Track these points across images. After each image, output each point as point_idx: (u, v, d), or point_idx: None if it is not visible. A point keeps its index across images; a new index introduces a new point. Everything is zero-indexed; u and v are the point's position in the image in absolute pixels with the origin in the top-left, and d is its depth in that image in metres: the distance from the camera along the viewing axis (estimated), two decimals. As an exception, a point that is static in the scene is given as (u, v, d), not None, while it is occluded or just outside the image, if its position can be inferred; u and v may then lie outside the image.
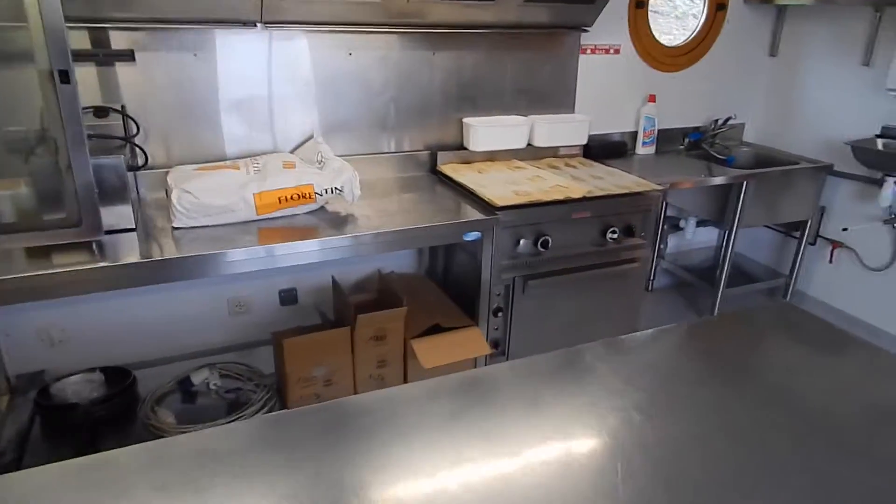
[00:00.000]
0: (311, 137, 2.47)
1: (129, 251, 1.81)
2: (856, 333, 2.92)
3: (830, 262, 3.20)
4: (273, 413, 1.09)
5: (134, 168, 2.22)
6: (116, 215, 1.89)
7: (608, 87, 3.04)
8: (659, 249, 3.48)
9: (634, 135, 3.16)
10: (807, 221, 3.15)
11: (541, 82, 2.85)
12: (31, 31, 1.51)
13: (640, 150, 3.15)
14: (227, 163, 2.16)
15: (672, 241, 3.54)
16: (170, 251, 1.80)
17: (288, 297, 2.67)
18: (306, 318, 2.65)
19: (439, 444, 1.01)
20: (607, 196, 2.39)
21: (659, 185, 2.54)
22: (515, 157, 2.83)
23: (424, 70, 2.60)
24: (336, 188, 2.10)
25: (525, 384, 1.19)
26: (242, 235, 1.92)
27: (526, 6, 2.49)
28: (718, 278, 3.07)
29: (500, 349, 2.47)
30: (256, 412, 2.11)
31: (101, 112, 2.09)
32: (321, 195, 2.08)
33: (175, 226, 1.94)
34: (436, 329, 2.29)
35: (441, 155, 2.70)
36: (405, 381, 2.30)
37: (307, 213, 2.13)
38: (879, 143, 2.85)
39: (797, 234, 3.23)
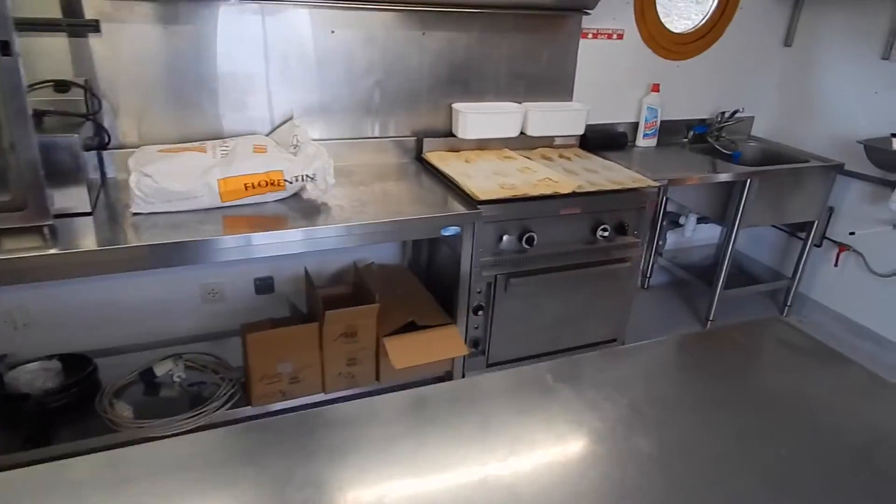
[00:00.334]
0: (289, 119, 2.34)
1: (83, 237, 1.71)
2: (859, 342, 2.75)
3: (836, 265, 3.05)
4: (212, 430, 0.98)
5: (100, 147, 2.11)
6: (71, 198, 1.78)
7: (610, 74, 2.88)
8: (657, 246, 3.34)
9: (636, 126, 3.01)
10: (813, 222, 3.00)
11: (538, 67, 2.70)
12: (-36, -2, 1.39)
13: (641, 142, 3.00)
14: (195, 145, 2.03)
15: (672, 238, 3.40)
16: (122, 239, 1.69)
17: (264, 286, 2.56)
18: (282, 308, 2.55)
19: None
20: (598, 192, 2.26)
21: (655, 180, 2.40)
22: (507, 146, 2.69)
23: (413, 51, 2.45)
24: (307, 175, 1.98)
25: (473, 406, 1.08)
26: (203, 224, 1.80)
27: (521, -15, 2.33)
28: (717, 279, 2.93)
29: (479, 348, 2.36)
30: (219, 408, 2.02)
31: (61, 86, 1.97)
32: (291, 182, 1.96)
33: (134, 211, 1.83)
34: (412, 326, 2.18)
35: (427, 142, 2.57)
36: (377, 379, 2.20)
37: (277, 200, 2.01)
38: (894, 142, 2.68)
39: (803, 234, 3.08)
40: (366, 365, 2.14)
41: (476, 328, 2.31)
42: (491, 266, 2.21)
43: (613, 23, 2.77)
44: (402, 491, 0.87)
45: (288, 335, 1.99)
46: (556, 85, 2.77)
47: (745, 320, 3.03)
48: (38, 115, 1.83)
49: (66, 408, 1.99)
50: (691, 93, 3.10)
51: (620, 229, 2.36)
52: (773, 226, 3.31)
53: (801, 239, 3.10)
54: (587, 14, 2.63)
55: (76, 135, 1.73)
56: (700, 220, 3.27)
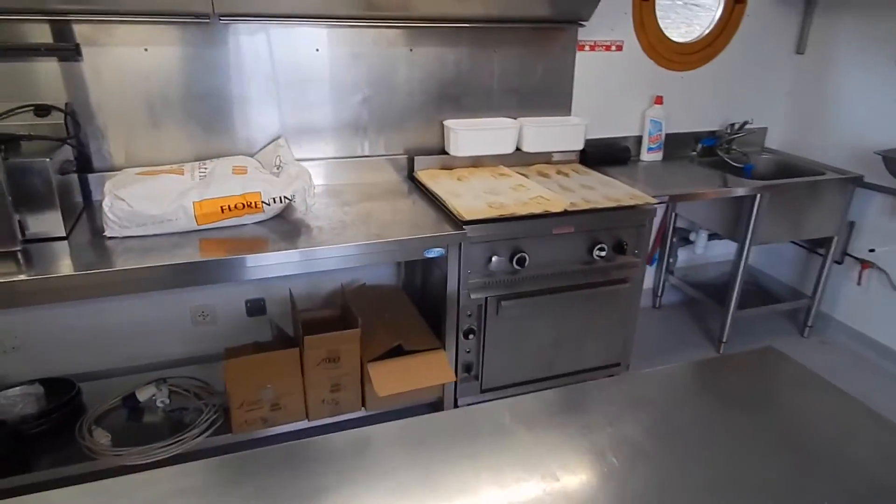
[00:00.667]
0: (276, 140, 2.31)
1: (57, 262, 1.68)
2: (886, 363, 2.55)
3: (859, 283, 2.87)
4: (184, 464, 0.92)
5: (84, 171, 2.10)
6: (44, 222, 1.76)
7: (610, 87, 2.78)
8: (668, 263, 3.20)
9: (640, 140, 2.90)
10: (832, 238, 2.83)
11: (533, 82, 2.62)
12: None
13: (646, 156, 2.89)
14: (173, 167, 2.01)
15: (683, 255, 3.26)
16: (89, 264, 1.65)
17: (255, 308, 2.52)
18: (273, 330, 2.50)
19: None
20: (592, 210, 2.16)
21: (655, 197, 2.28)
22: (503, 162, 2.61)
23: (401, 68, 2.40)
24: (285, 197, 1.93)
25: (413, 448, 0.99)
26: (176, 248, 1.76)
27: (511, -2, 2.27)
28: (729, 298, 2.79)
29: (472, 373, 2.26)
30: (199, 435, 1.97)
31: (41, 111, 1.97)
32: (269, 204, 1.92)
33: (108, 235, 1.81)
34: (400, 351, 2.10)
35: (419, 160, 2.51)
36: (363, 406, 2.12)
37: (256, 223, 1.97)
38: (917, 153, 2.52)
39: (823, 251, 2.91)
40: (350, 391, 2.06)
41: (468, 352, 2.22)
42: (481, 288, 2.13)
43: (612, 34, 2.68)
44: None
45: (268, 361, 1.93)
46: (553, 99, 2.69)
47: (761, 343, 2.88)
48: (15, 140, 1.84)
49: (47, 434, 1.96)
50: (698, 104, 2.99)
51: (619, 248, 2.25)
52: (793, 242, 3.15)
53: (821, 255, 2.93)
54: (582, 26, 2.55)
55: (48, 159, 1.71)
56: (711, 237, 3.13)
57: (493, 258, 2.08)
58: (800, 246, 3.14)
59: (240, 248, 1.78)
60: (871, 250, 2.75)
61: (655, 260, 3.23)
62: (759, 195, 2.56)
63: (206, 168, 2.00)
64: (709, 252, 3.27)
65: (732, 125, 2.97)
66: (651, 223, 2.29)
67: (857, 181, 2.72)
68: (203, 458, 0.94)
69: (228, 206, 1.87)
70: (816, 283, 2.94)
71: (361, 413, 2.12)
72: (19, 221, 1.71)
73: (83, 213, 2.02)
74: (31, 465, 1.87)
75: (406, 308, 2.39)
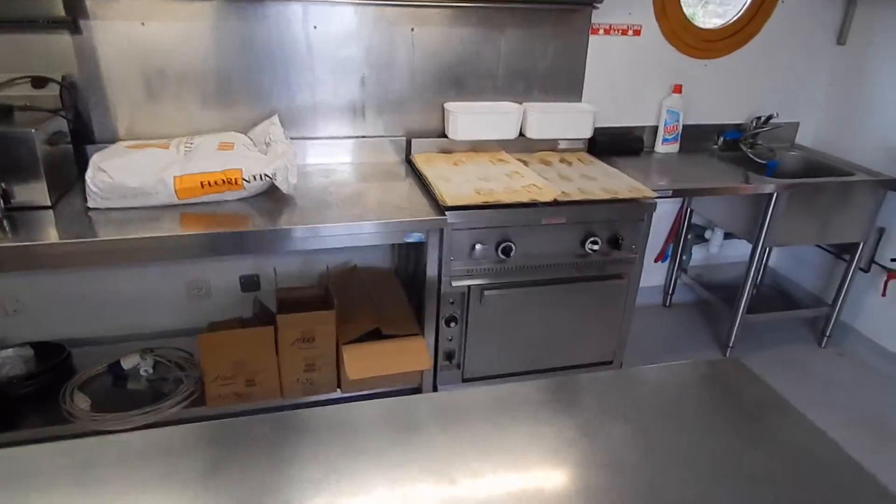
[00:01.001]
0: (270, 117, 2.30)
1: (40, 231, 1.72)
2: None
3: (884, 294, 2.67)
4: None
5: (85, 142, 2.14)
6: (30, 192, 1.81)
7: (625, 73, 2.65)
8: (680, 261, 3.07)
9: (656, 130, 2.76)
10: (858, 244, 2.64)
11: (542, 66, 2.52)
12: None
13: (661, 147, 2.75)
14: (160, 141, 2.02)
15: (698, 254, 3.11)
16: (68, 234, 1.69)
17: (249, 283, 2.54)
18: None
19: None
20: (585, 201, 2.06)
21: (656, 190, 2.17)
22: (505, 149, 2.53)
23: (402, 48, 2.34)
24: (266, 175, 1.92)
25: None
26: (152, 222, 1.78)
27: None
28: (738, 301, 2.64)
29: (454, 362, 2.22)
30: (175, 405, 2.00)
31: (38, 82, 2.01)
32: (249, 182, 1.91)
33: (90, 206, 1.84)
34: (380, 335, 2.08)
35: (416, 143, 2.46)
36: (339, 387, 2.12)
37: (238, 199, 1.97)
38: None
39: (848, 257, 2.72)
40: (325, 372, 2.06)
41: (450, 340, 2.18)
42: (464, 276, 2.08)
43: (629, 18, 2.55)
44: None
45: (242, 338, 1.95)
46: (563, 85, 2.58)
47: (770, 351, 2.73)
48: (10, 110, 1.89)
49: (33, 395, 2.03)
50: (722, 95, 2.82)
51: (614, 243, 2.16)
52: (818, 246, 2.96)
53: (846, 262, 2.74)
54: (596, 8, 2.43)
55: (33, 129, 1.74)
56: (728, 236, 2.97)
57: (477, 246, 2.02)
58: (826, 251, 2.95)
59: (210, 224, 1.78)
60: (894, 259, 2.55)
61: (668, 257, 3.10)
62: (775, 194, 2.41)
63: (192, 143, 2.01)
64: (725, 252, 3.11)
65: (758, 118, 2.79)
66: (650, 218, 2.18)
67: (890, 184, 2.52)
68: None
69: (209, 181, 1.87)
70: (838, 292, 2.75)
71: (337, 394, 2.12)
72: (4, 189, 1.75)
73: (76, 184, 2.06)
74: (15, 424, 1.95)
75: (394, 292, 2.36)
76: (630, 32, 2.58)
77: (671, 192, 2.25)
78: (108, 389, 2.12)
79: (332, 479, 0.87)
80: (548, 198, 2.02)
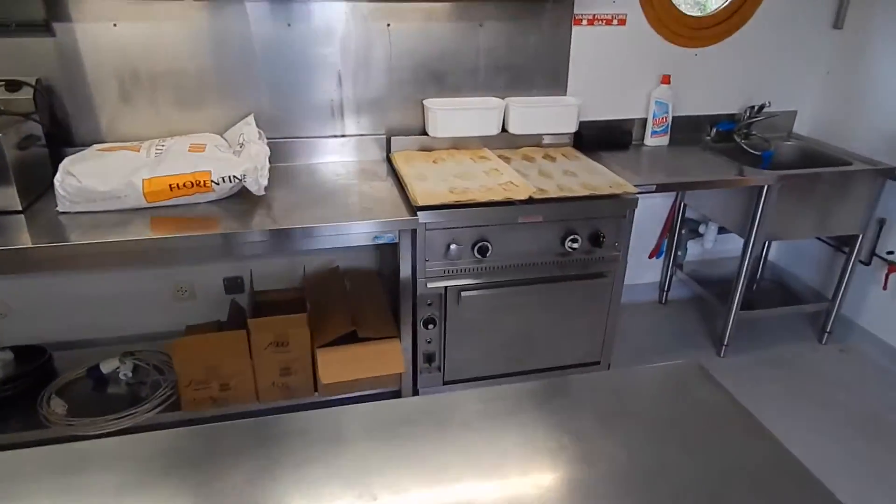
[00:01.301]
0: (246, 117, 2.27)
1: (7, 235, 1.72)
2: None
3: (885, 288, 2.58)
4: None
5: (62, 145, 2.14)
6: (1, 196, 1.81)
7: (611, 65, 2.59)
8: (675, 257, 2.99)
9: (645, 123, 2.69)
10: (858, 236, 2.55)
11: (524, 59, 2.47)
12: None
13: (650, 140, 2.68)
14: (132, 144, 2.01)
15: (694, 248, 3.03)
16: (35, 238, 1.68)
17: (233, 285, 2.53)
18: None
19: None
20: (562, 199, 2.01)
21: (638, 186, 2.11)
22: (488, 145, 2.48)
23: (378, 45, 2.31)
24: (235, 176, 1.90)
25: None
26: (118, 226, 1.76)
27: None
28: (732, 298, 2.57)
29: (434, 364, 2.19)
30: (151, 410, 2.00)
31: (12, 86, 2.01)
32: (218, 184, 1.89)
33: (59, 210, 1.83)
34: (357, 338, 2.05)
35: (396, 141, 2.42)
36: (316, 391, 2.09)
37: (209, 202, 1.95)
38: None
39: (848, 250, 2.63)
40: (301, 376, 2.03)
41: (429, 342, 2.14)
42: (440, 277, 2.04)
43: (613, 7, 2.48)
44: None
45: (215, 342, 1.93)
46: (547, 78, 2.53)
47: (767, 348, 2.65)
48: (-20, 115, 1.88)
49: (12, 399, 2.04)
50: (714, 85, 2.74)
51: (595, 240, 2.10)
52: (819, 238, 2.86)
53: (847, 255, 2.65)
54: (577, -2, 2.37)
55: (1, 134, 1.74)
56: (722, 230, 2.89)
57: (452, 246, 1.98)
58: (827, 243, 2.85)
59: (174, 228, 1.76)
60: (890, 252, 2.46)
61: (662, 252, 3.03)
62: (766, 186, 2.33)
63: (164, 145, 1.99)
64: (721, 246, 3.02)
65: (752, 108, 2.71)
66: (632, 214, 2.12)
67: (889, 173, 2.43)
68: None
69: (177, 184, 1.86)
70: (838, 286, 2.66)
71: (315, 398, 2.09)
72: (-28, 194, 1.75)
73: (51, 189, 2.06)
74: (-7, 429, 1.95)
75: (375, 294, 2.33)
76: (615, 22, 2.51)
77: (654, 186, 2.18)
78: (88, 394, 2.12)
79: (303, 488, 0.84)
80: (523, 195, 1.97)
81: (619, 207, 2.09)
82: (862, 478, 2.05)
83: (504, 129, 2.47)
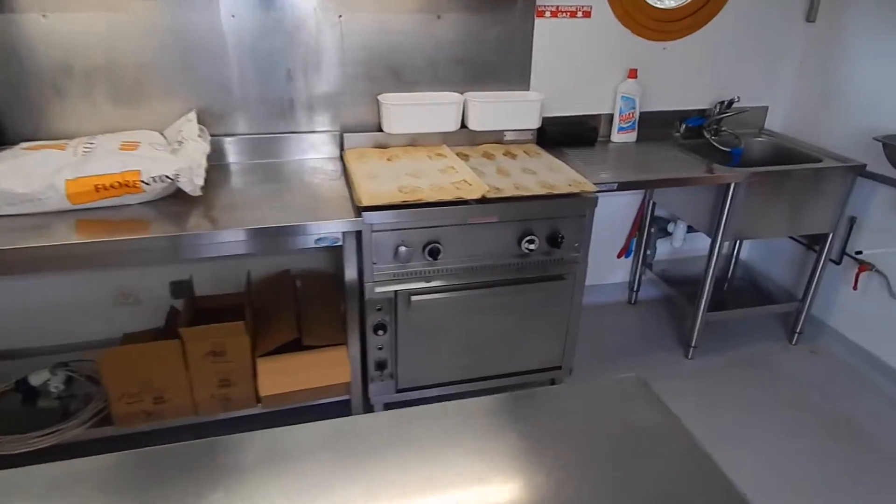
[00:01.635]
0: (187, 114, 2.15)
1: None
2: (883, 382, 2.28)
3: (855, 288, 2.51)
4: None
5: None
6: (-90, 199, 1.68)
7: (576, 59, 2.49)
8: (644, 256, 2.91)
9: (612, 118, 2.60)
10: (828, 235, 2.48)
11: (484, 52, 2.36)
12: None
13: (616, 136, 2.59)
14: (58, 142, 1.89)
15: (663, 247, 2.95)
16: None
17: (179, 289, 2.41)
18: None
19: None
20: (516, 198, 1.91)
21: (598, 184, 2.02)
22: (447, 142, 2.38)
23: (330, 37, 2.19)
24: (167, 176, 1.78)
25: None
26: (39, 230, 1.64)
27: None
28: (699, 299, 2.49)
29: (386, 371, 2.08)
30: (79, 426, 1.88)
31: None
32: (148, 184, 1.77)
33: (-24, 213, 1.71)
34: (302, 346, 1.95)
35: (351, 138, 2.31)
36: (258, 402, 1.98)
37: (141, 203, 1.83)
38: (927, 139, 2.14)
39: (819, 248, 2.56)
40: (242, 387, 1.92)
41: (380, 349, 2.04)
42: (390, 281, 1.93)
43: (577, -2, 2.38)
44: None
45: (147, 352, 1.82)
46: (509, 72, 2.42)
47: (737, 350, 2.58)
48: None
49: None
50: (683, 79, 2.65)
51: (553, 241, 2.01)
52: (791, 237, 2.79)
53: (817, 253, 2.58)
54: (539, -12, 2.27)
55: None
56: (691, 229, 2.81)
57: (401, 248, 1.88)
58: (799, 242, 2.78)
59: (96, 232, 1.64)
60: (859, 252, 2.39)
61: (631, 251, 2.94)
62: (732, 184, 2.24)
63: (92, 143, 1.87)
64: (691, 245, 2.95)
65: (721, 103, 2.62)
66: (592, 214, 2.02)
67: (859, 170, 2.35)
68: (83, 451, 0.88)
69: (104, 185, 1.74)
70: (808, 285, 2.59)
71: (258, 409, 1.98)
72: None
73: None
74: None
75: (328, 298, 2.23)
76: (579, 14, 2.41)
77: (616, 185, 2.09)
78: (16, 408, 2.00)
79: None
80: (476, 195, 1.87)
81: (579, 207, 2.00)
82: (832, 481, 1.97)
83: (464, 126, 2.37)
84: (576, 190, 1.96)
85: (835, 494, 1.93)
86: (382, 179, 1.99)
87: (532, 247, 1.98)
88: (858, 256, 2.47)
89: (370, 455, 0.88)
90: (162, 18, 2.02)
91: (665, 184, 2.25)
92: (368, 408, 2.15)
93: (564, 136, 2.50)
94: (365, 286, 1.91)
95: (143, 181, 1.76)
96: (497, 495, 0.83)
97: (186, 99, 2.15)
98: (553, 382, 2.38)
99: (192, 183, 1.81)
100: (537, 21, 2.37)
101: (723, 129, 2.67)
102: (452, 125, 2.34)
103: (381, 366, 2.07)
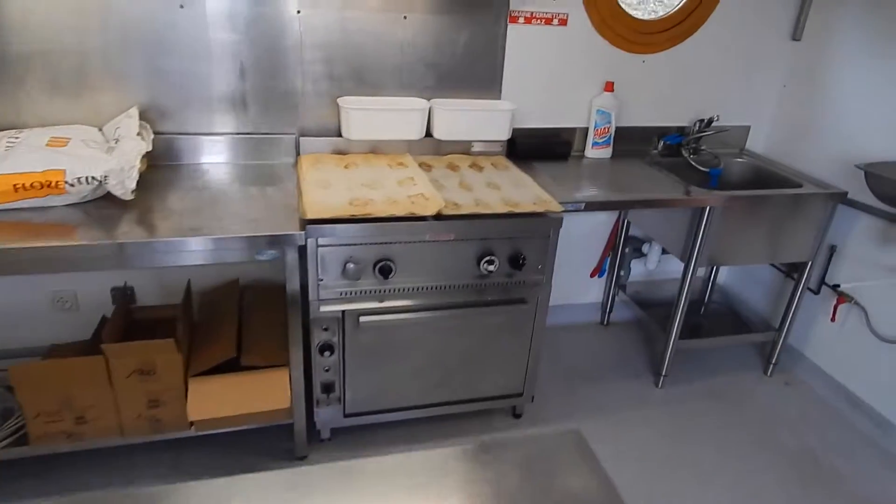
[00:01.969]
0: (129, 109, 2.01)
1: None
2: (858, 418, 2.18)
3: (833, 319, 2.41)
4: None
5: None
6: None
7: (551, 68, 2.37)
8: (618, 277, 2.79)
9: (587, 133, 2.48)
10: (807, 263, 2.37)
11: (453, 57, 2.24)
12: None
13: (591, 152, 2.47)
14: (-21, 136, 1.74)
15: (637, 268, 2.84)
16: None
17: (122, 296, 2.26)
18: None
19: None
20: (475, 216, 1.79)
21: (563, 203, 1.89)
22: (411, 150, 2.25)
23: (288, 33, 2.06)
24: (94, 178, 1.63)
25: None
26: (-58, 232, 1.50)
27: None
28: (671, 326, 2.37)
29: (334, 395, 1.95)
30: (-6, 444, 1.72)
31: None
32: (73, 185, 1.63)
33: None
34: (240, 366, 1.81)
35: (307, 142, 2.18)
36: (191, 425, 1.83)
37: (68, 205, 1.68)
38: (910, 169, 2.05)
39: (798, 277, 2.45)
40: (173, 408, 1.78)
41: (327, 370, 1.90)
42: (337, 300, 1.80)
43: (553, 5, 2.26)
44: None
45: (66, 368, 1.67)
46: (479, 80, 2.30)
47: (708, 381, 2.46)
48: None
49: None
50: (663, 95, 2.54)
51: (514, 262, 1.88)
52: (772, 265, 2.69)
53: (795, 281, 2.47)
54: (512, -7, 2.15)
55: None
56: (666, 251, 2.70)
57: (349, 265, 1.74)
58: (778, 269, 2.68)
59: (11, 236, 1.49)
60: (836, 286, 2.29)
61: (604, 271, 2.83)
62: (708, 208, 2.13)
63: (17, 138, 1.72)
64: (665, 267, 2.84)
65: (701, 121, 2.52)
66: (556, 235, 1.90)
67: (840, 198, 2.25)
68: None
69: (24, 184, 1.59)
70: (785, 315, 2.49)
71: (191, 433, 1.84)
72: None
73: None
74: None
75: (275, 314, 2.08)
76: (555, 21, 2.30)
77: (584, 204, 1.97)
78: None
79: None
80: (430, 210, 1.74)
81: (543, 227, 1.88)
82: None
83: (429, 134, 2.24)
84: (540, 209, 1.84)
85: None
86: (334, 189, 1.85)
87: (491, 268, 1.86)
88: (837, 290, 2.37)
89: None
90: (106, 4, 1.88)
91: (636, 205, 2.14)
92: (314, 433, 2.01)
93: (536, 149, 2.38)
94: (310, 304, 1.78)
95: (67, 182, 1.62)
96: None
97: (131, 93, 2.01)
98: (514, 409, 2.25)
99: (123, 186, 1.67)
100: (510, 27, 2.25)
101: (702, 147, 2.56)
102: (417, 133, 2.21)
103: (327, 389, 1.93)
